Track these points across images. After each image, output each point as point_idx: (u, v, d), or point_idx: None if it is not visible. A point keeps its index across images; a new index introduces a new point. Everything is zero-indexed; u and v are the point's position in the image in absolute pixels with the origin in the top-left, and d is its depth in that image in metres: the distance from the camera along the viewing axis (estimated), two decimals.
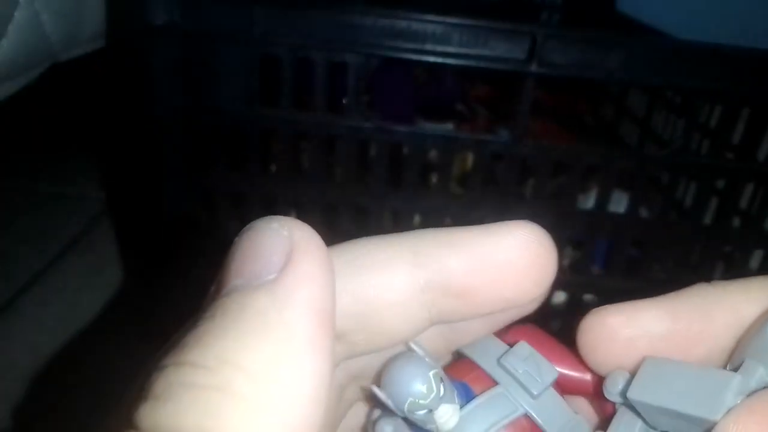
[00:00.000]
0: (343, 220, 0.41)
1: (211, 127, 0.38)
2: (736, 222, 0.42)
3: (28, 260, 0.57)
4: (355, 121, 0.37)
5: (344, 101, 0.39)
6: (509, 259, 0.15)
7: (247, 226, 0.14)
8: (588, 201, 0.51)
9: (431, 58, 0.36)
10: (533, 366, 0.16)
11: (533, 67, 0.36)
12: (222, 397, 0.11)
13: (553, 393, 0.16)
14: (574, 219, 0.40)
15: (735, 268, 0.42)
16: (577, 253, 0.48)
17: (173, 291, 0.44)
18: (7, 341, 0.47)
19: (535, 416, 0.15)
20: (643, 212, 0.44)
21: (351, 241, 0.16)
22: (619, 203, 0.41)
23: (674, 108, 0.60)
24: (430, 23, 0.35)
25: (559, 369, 0.16)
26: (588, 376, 0.16)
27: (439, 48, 0.36)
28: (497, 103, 0.75)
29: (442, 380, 0.14)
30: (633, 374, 0.14)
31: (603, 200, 0.40)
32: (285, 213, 0.41)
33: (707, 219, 0.41)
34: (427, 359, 0.14)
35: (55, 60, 0.35)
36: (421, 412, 0.14)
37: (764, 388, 0.13)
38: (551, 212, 0.40)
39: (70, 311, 0.51)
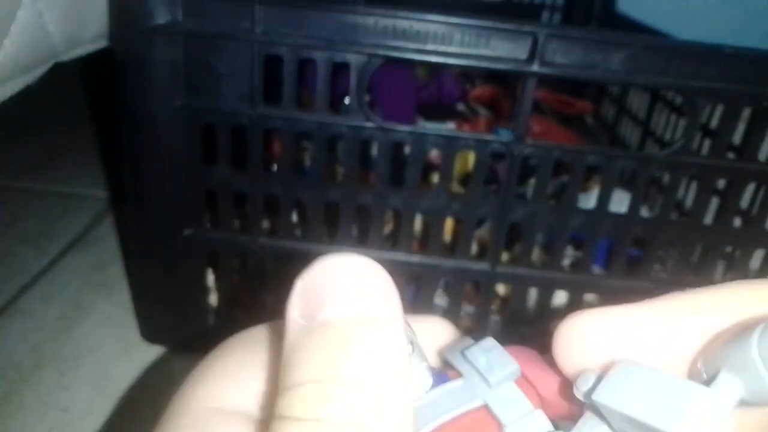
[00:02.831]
0: (344, 220, 0.41)
1: (212, 127, 0.39)
2: (737, 222, 0.42)
3: (29, 259, 0.57)
4: (357, 121, 0.38)
5: (345, 101, 0.39)
6: None
7: (327, 258, 0.15)
8: (589, 200, 0.51)
9: (433, 58, 0.36)
10: (494, 358, 0.16)
11: (534, 67, 0.36)
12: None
13: (513, 386, 0.16)
14: (575, 218, 0.40)
15: (736, 268, 0.43)
16: (578, 253, 0.48)
17: (174, 291, 0.44)
18: (8, 340, 0.47)
19: (490, 406, 0.15)
20: (644, 212, 0.45)
21: None
22: (620, 203, 0.41)
23: (675, 108, 0.60)
24: (432, 23, 0.35)
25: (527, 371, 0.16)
26: (552, 380, 0.16)
27: (441, 48, 0.36)
28: (498, 102, 0.76)
29: (412, 343, 0.15)
30: (603, 373, 0.14)
31: (604, 200, 0.40)
32: (286, 213, 0.41)
33: (708, 219, 0.41)
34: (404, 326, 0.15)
35: (58, 59, 0.35)
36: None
37: (739, 404, 0.12)
38: (552, 212, 0.40)
39: (72, 311, 0.51)
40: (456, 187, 0.54)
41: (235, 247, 0.42)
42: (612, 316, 0.15)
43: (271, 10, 0.35)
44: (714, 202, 0.42)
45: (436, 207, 0.40)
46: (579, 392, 0.14)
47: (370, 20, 0.35)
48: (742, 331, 0.12)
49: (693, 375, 0.14)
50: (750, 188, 0.41)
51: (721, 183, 0.41)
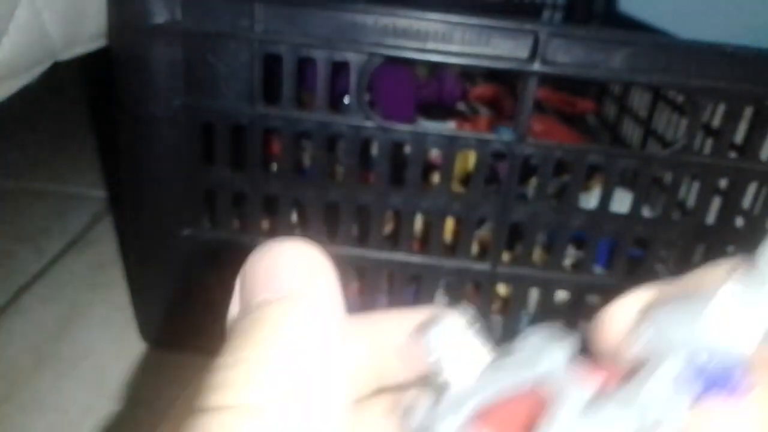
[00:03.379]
0: (344, 220, 0.41)
1: (211, 126, 0.38)
2: (739, 221, 0.42)
3: (27, 260, 0.56)
4: (357, 120, 0.37)
5: (345, 100, 0.39)
6: None
7: (263, 247, 0.15)
8: (590, 200, 0.51)
9: (433, 57, 0.36)
10: (551, 339, 0.16)
11: (536, 66, 0.35)
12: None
13: (566, 367, 0.16)
14: (576, 218, 0.40)
15: None
16: (580, 253, 0.48)
17: (172, 292, 0.44)
18: (7, 341, 0.47)
19: (547, 379, 0.15)
20: (646, 211, 0.44)
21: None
22: (621, 202, 0.41)
23: (677, 107, 0.59)
24: (433, 22, 0.35)
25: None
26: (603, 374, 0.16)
27: (442, 47, 0.36)
28: (499, 101, 0.75)
29: (472, 329, 0.16)
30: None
31: (605, 199, 0.40)
32: (285, 213, 0.41)
33: (710, 218, 0.41)
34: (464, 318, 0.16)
35: (57, 58, 0.35)
36: (448, 349, 0.16)
37: None
38: (554, 211, 0.40)
39: (71, 311, 0.50)
40: (457, 187, 0.53)
41: (235, 247, 0.42)
42: (654, 294, 0.15)
43: (271, 8, 0.35)
44: (716, 202, 0.42)
45: (436, 207, 0.40)
46: (630, 344, 0.14)
47: (370, 19, 0.35)
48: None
49: None
50: (752, 188, 0.41)
51: (723, 182, 0.41)
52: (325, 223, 0.41)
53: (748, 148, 0.39)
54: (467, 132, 0.55)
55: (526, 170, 0.41)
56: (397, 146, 0.39)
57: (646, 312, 0.14)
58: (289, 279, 0.14)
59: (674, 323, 0.14)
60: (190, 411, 0.14)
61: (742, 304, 0.12)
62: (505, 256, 0.43)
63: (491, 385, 0.16)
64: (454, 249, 0.42)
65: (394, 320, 0.17)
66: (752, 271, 0.13)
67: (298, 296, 0.14)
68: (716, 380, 0.13)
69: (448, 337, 0.16)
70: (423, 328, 0.16)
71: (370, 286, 0.43)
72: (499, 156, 0.39)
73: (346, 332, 0.15)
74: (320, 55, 0.36)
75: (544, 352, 0.16)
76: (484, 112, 0.74)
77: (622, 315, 0.15)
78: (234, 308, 0.15)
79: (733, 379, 0.13)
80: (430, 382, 0.16)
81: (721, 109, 0.40)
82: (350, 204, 0.40)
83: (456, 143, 0.38)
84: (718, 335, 0.13)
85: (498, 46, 0.36)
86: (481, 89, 0.77)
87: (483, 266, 0.42)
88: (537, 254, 0.45)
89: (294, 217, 0.45)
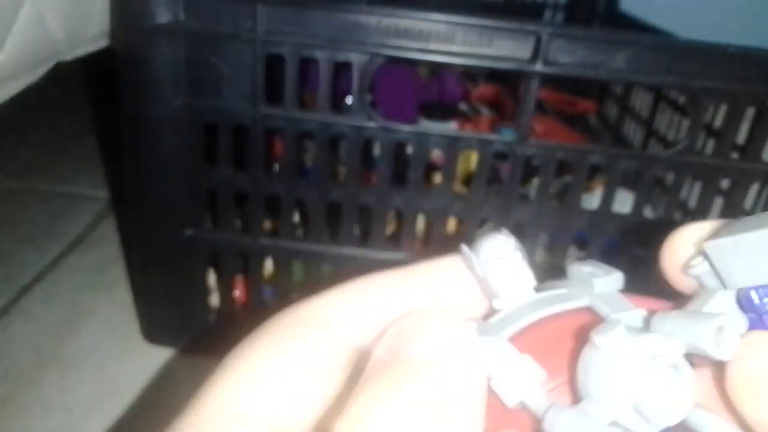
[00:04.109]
0: (346, 220, 0.41)
1: (214, 126, 0.38)
2: None
3: (30, 260, 0.57)
4: (359, 121, 0.37)
5: (347, 100, 0.39)
6: None
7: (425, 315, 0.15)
8: (592, 201, 0.51)
9: (435, 58, 0.36)
10: (599, 267, 0.17)
11: (538, 67, 0.36)
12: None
13: (616, 293, 0.16)
14: (578, 219, 0.40)
15: None
16: (582, 253, 0.48)
17: (175, 292, 0.44)
18: (9, 341, 0.47)
19: (595, 306, 0.16)
20: (648, 212, 0.44)
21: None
22: (623, 203, 0.41)
23: (678, 107, 0.59)
24: (434, 22, 0.35)
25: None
26: (658, 305, 0.16)
27: (444, 47, 0.36)
28: (501, 102, 0.75)
29: (521, 251, 0.16)
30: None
31: (607, 200, 0.40)
32: (287, 213, 0.41)
33: (712, 219, 0.41)
34: (511, 236, 0.16)
35: (60, 59, 0.35)
36: (496, 262, 0.16)
37: None
38: (555, 212, 0.40)
39: (73, 311, 0.51)
40: (458, 187, 0.53)
41: (237, 247, 0.42)
42: (717, 225, 0.15)
43: (273, 9, 0.35)
44: (718, 203, 0.42)
45: (438, 207, 0.40)
46: (690, 268, 0.14)
47: (373, 19, 0.35)
48: None
49: None
50: (754, 188, 0.41)
51: (725, 183, 0.41)
52: (327, 223, 0.41)
53: (750, 149, 0.39)
54: (469, 132, 0.55)
55: (528, 171, 0.41)
56: (399, 146, 0.39)
57: (702, 244, 0.14)
58: (444, 341, 0.14)
59: (727, 258, 0.13)
60: (213, 416, 0.14)
61: None
62: None
63: (545, 306, 0.16)
64: (455, 249, 0.42)
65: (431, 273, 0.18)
66: None
67: (453, 355, 0.14)
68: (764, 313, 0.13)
69: (500, 252, 0.16)
70: (474, 247, 0.16)
71: None
72: (500, 156, 0.39)
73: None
74: (322, 56, 0.36)
75: (595, 281, 0.16)
76: (486, 113, 0.74)
77: (682, 244, 0.15)
78: (378, 352, 0.15)
79: None
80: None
81: (723, 109, 0.40)
82: (352, 204, 0.40)
83: (458, 144, 0.38)
84: None
85: (500, 46, 0.36)
86: (483, 89, 0.77)
87: None
88: (539, 255, 0.45)
89: (296, 217, 0.45)
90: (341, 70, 0.37)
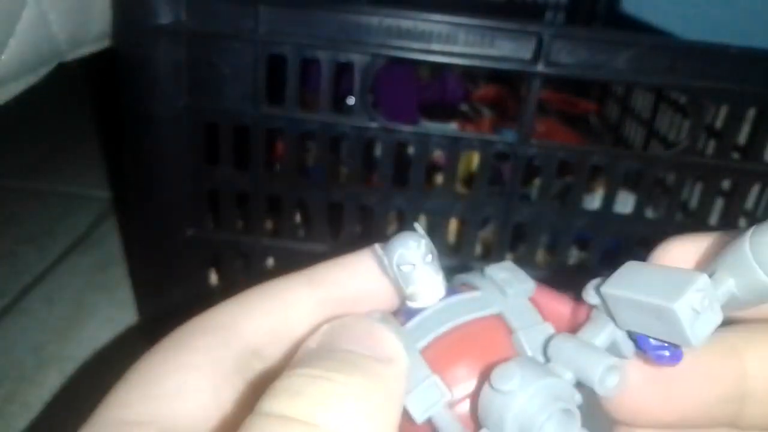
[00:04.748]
0: (347, 221, 0.41)
1: (215, 127, 0.38)
2: (742, 223, 0.42)
3: (31, 260, 0.57)
4: (360, 121, 0.37)
5: (348, 101, 0.39)
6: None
7: (361, 317, 0.16)
8: (594, 201, 0.51)
9: (437, 58, 0.36)
10: (512, 275, 0.17)
11: (539, 67, 0.36)
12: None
13: (527, 303, 0.17)
14: (579, 219, 0.40)
15: None
16: (583, 254, 0.48)
17: (176, 292, 0.44)
18: (11, 341, 0.47)
19: (504, 314, 0.16)
20: (649, 213, 0.44)
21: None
22: (624, 204, 0.41)
23: (679, 108, 0.59)
24: (436, 23, 0.35)
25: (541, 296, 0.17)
26: (565, 309, 0.17)
27: (445, 48, 0.36)
28: (501, 102, 0.75)
29: (431, 253, 0.16)
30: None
31: (609, 200, 0.40)
32: (289, 213, 0.41)
33: (713, 220, 0.41)
34: (425, 236, 0.17)
35: (62, 59, 0.35)
36: (407, 268, 0.16)
37: (732, 302, 0.14)
38: (557, 212, 0.40)
39: (75, 311, 0.51)
40: (460, 188, 0.53)
41: (238, 247, 0.42)
42: (702, 240, 0.16)
43: (275, 9, 0.35)
44: (719, 203, 0.42)
45: (440, 208, 0.40)
46: (587, 294, 0.16)
47: (374, 20, 0.35)
48: (740, 236, 0.14)
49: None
50: (755, 189, 0.41)
51: (726, 184, 0.41)
52: (329, 223, 0.41)
53: (751, 150, 0.39)
54: (470, 133, 0.55)
55: (530, 171, 0.41)
56: (401, 147, 0.39)
57: (601, 288, 0.15)
58: (378, 342, 0.15)
59: (617, 306, 0.15)
60: (109, 422, 0.14)
61: (699, 307, 0.13)
62: (509, 257, 0.43)
63: (458, 314, 0.16)
64: (457, 250, 0.42)
65: (347, 266, 0.18)
66: (715, 276, 0.14)
67: (387, 358, 0.14)
68: (658, 347, 0.14)
69: (411, 258, 0.16)
70: (386, 249, 0.17)
71: None
72: (502, 157, 0.39)
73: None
74: (324, 56, 0.36)
75: (508, 290, 0.17)
76: (487, 113, 0.74)
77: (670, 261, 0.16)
78: (309, 343, 0.15)
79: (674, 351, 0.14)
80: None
81: (724, 110, 0.40)
82: (354, 205, 0.40)
83: (459, 144, 0.38)
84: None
85: (502, 47, 0.36)
86: (484, 90, 0.77)
87: None
88: (540, 255, 0.45)
89: (297, 217, 0.45)
90: (343, 70, 0.37)
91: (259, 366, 0.17)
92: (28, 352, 0.46)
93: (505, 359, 0.15)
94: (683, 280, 0.13)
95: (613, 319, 0.15)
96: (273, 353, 0.17)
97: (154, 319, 0.47)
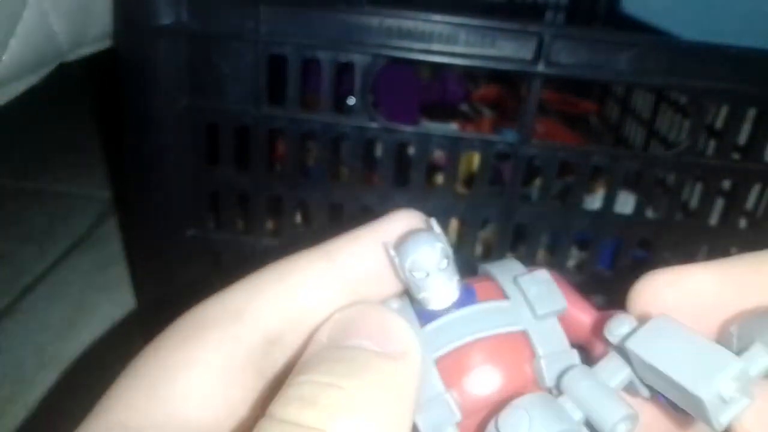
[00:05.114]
0: (348, 220, 0.41)
1: (216, 127, 0.38)
2: (743, 223, 0.42)
3: (32, 260, 0.57)
4: (361, 121, 0.37)
5: (349, 101, 0.39)
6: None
7: (374, 306, 0.15)
8: (594, 201, 0.51)
9: (438, 58, 0.36)
10: (546, 291, 0.16)
11: (540, 67, 0.36)
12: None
13: (555, 322, 0.16)
14: (580, 219, 0.40)
15: None
16: (583, 254, 0.48)
17: (177, 292, 0.44)
18: (12, 341, 0.47)
19: (531, 334, 0.16)
20: (650, 213, 0.44)
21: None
22: (625, 204, 0.41)
23: (680, 108, 0.60)
24: (437, 23, 0.35)
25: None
26: (588, 319, 0.17)
27: (446, 48, 0.36)
28: (502, 102, 0.75)
29: (447, 258, 0.15)
30: (640, 323, 0.14)
31: (609, 201, 0.40)
32: (290, 213, 0.41)
33: (713, 220, 0.41)
34: (441, 236, 0.16)
35: (63, 59, 0.35)
36: (420, 275, 0.15)
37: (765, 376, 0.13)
38: (557, 213, 0.40)
39: (75, 311, 0.51)
40: (460, 188, 0.53)
41: (239, 247, 0.42)
42: (686, 274, 0.15)
43: (276, 10, 0.35)
44: (719, 203, 0.42)
45: (440, 208, 0.40)
46: (610, 333, 0.15)
47: (375, 20, 0.35)
48: None
49: (723, 337, 0.14)
50: (756, 189, 0.41)
51: (726, 184, 0.41)
52: (330, 223, 0.41)
53: (752, 150, 0.39)
54: (471, 133, 0.55)
55: (530, 171, 0.41)
56: (401, 147, 0.39)
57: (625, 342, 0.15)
58: (389, 336, 0.14)
59: (638, 363, 0.14)
60: (104, 426, 0.14)
61: None
62: (509, 257, 0.43)
63: (481, 327, 0.16)
64: (457, 250, 0.42)
65: (367, 240, 0.17)
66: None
67: (398, 353, 0.14)
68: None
69: (425, 265, 0.15)
70: (398, 251, 0.16)
71: None
72: (502, 157, 0.39)
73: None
74: (325, 57, 0.36)
75: (536, 305, 0.16)
76: (488, 114, 0.74)
77: (655, 293, 0.16)
78: (320, 336, 0.14)
79: None
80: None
81: (725, 110, 0.40)
82: (354, 205, 0.40)
83: (460, 144, 0.38)
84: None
85: (502, 47, 0.36)
86: (485, 90, 0.77)
87: None
88: (540, 255, 0.45)
89: (298, 217, 0.45)
90: (343, 70, 0.37)
91: (280, 357, 0.16)
92: (29, 352, 0.46)
93: (523, 387, 0.14)
94: (716, 361, 0.12)
95: (631, 366, 0.14)
96: (293, 340, 0.16)
97: (154, 320, 0.47)
